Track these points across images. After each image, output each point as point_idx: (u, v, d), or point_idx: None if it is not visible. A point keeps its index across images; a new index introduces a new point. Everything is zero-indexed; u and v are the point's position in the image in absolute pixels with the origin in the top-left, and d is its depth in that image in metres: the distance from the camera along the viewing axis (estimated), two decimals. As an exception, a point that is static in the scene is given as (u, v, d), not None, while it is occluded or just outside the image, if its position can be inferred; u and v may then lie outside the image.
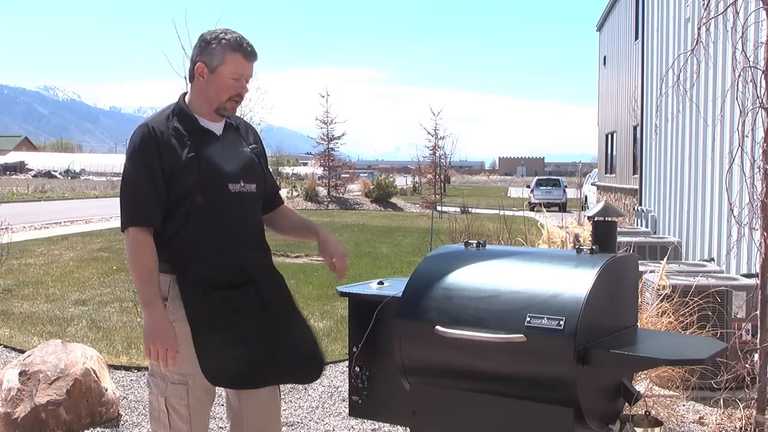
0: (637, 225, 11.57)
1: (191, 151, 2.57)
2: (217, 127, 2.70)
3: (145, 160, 2.56)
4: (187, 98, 2.70)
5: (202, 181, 2.57)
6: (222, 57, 2.59)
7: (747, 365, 4.07)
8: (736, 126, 4.77)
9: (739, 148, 4.14)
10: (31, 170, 68.38)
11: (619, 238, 6.09)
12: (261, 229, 2.79)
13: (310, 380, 2.87)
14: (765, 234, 3.90)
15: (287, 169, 44.60)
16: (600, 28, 26.63)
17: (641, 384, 4.07)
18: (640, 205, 11.88)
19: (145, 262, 2.53)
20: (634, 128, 17.64)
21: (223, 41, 2.59)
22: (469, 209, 18.08)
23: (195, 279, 2.57)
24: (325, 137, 30.92)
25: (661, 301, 4.67)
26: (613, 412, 2.54)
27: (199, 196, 2.57)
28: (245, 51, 2.61)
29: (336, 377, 5.35)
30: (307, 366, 2.77)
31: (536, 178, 37.21)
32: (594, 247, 2.55)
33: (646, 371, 3.98)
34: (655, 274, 5.04)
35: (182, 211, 2.56)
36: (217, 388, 2.72)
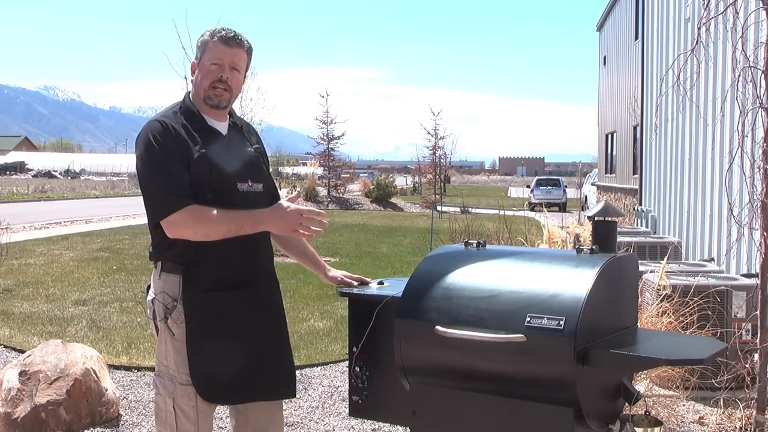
0: (637, 225, 11.57)
1: (201, 149, 2.57)
2: (222, 127, 2.71)
3: (164, 149, 2.52)
4: (190, 97, 2.71)
5: (214, 180, 2.56)
6: (204, 47, 2.65)
7: (747, 365, 4.06)
8: (736, 126, 4.77)
9: (739, 148, 4.14)
10: (31, 170, 68.37)
11: (619, 238, 6.10)
12: (267, 231, 2.80)
13: (286, 396, 2.84)
14: (765, 234, 3.90)
15: (287, 169, 44.56)
16: (600, 28, 26.64)
17: (641, 384, 4.07)
18: (640, 205, 11.88)
19: (215, 220, 2.48)
20: (634, 128, 17.65)
21: (206, 34, 2.66)
22: (469, 209, 18.08)
23: (201, 279, 2.57)
24: (325, 137, 30.93)
25: (661, 301, 4.67)
26: (613, 412, 2.54)
27: (210, 194, 2.55)
28: (223, 37, 2.63)
29: (336, 377, 5.35)
30: (284, 381, 2.77)
31: (536, 178, 37.21)
32: (594, 247, 2.55)
33: (646, 371, 3.98)
34: (655, 274, 5.04)
35: None
36: None
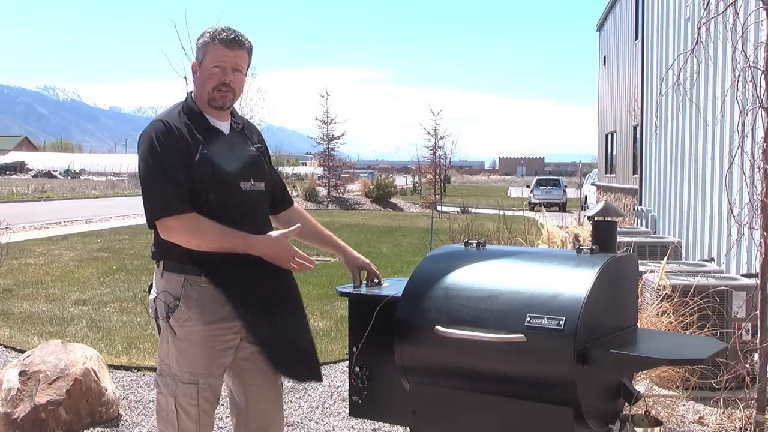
0: (637, 225, 11.57)
1: (204, 149, 2.58)
2: (225, 126, 2.72)
3: (166, 151, 2.53)
4: (192, 97, 2.72)
5: (216, 179, 2.58)
6: (204, 49, 2.64)
7: (747, 365, 4.06)
8: (736, 126, 4.77)
9: (739, 148, 4.14)
10: (31, 170, 68.35)
11: (619, 238, 6.09)
12: (270, 228, 2.81)
13: (315, 378, 2.86)
14: (765, 234, 3.90)
15: (287, 169, 44.59)
16: (600, 27, 26.64)
17: (641, 384, 4.07)
18: (640, 205, 11.87)
19: (210, 234, 2.51)
20: (634, 128, 17.65)
21: (206, 35, 2.65)
22: (469, 209, 18.06)
23: (207, 279, 2.57)
24: (325, 137, 30.92)
25: (661, 301, 4.67)
26: (613, 412, 2.54)
27: (213, 194, 2.57)
28: (224, 40, 2.63)
29: (336, 377, 5.35)
30: (311, 364, 2.79)
31: (536, 178, 37.20)
32: (594, 247, 2.55)
33: (646, 371, 3.98)
34: (655, 274, 5.04)
35: (195, 209, 2.55)
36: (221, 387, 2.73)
